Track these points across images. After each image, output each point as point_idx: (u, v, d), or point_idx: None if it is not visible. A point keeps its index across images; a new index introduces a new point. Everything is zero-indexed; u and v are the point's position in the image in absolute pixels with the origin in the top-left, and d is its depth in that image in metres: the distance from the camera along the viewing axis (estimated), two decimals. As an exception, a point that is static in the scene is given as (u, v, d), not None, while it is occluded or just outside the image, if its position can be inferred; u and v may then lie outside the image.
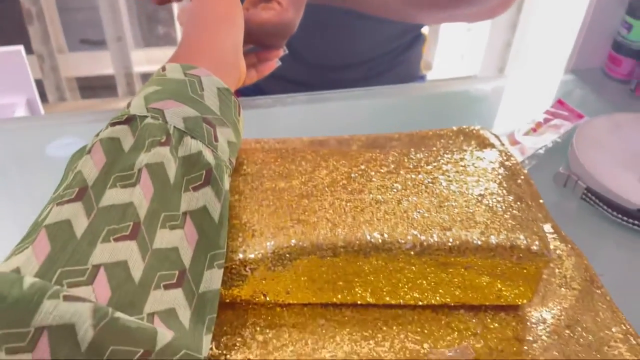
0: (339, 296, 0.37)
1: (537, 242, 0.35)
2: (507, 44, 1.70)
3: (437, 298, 0.37)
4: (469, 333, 0.37)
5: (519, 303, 0.38)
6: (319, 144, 0.50)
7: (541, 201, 0.48)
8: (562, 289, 0.40)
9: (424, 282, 0.36)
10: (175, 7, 1.71)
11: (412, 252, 0.34)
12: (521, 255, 0.35)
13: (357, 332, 0.36)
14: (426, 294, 0.37)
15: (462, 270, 0.35)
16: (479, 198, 0.37)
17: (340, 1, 0.58)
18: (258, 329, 0.36)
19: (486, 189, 0.38)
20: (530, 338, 0.36)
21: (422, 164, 0.40)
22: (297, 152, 0.42)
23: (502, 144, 0.53)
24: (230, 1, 0.43)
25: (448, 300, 0.37)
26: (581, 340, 0.36)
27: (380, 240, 0.34)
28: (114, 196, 0.28)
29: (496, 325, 0.37)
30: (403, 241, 0.34)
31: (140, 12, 1.80)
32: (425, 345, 0.36)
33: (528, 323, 0.37)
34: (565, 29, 0.72)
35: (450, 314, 0.38)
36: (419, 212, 0.36)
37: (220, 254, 0.32)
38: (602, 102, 0.66)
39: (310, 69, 0.76)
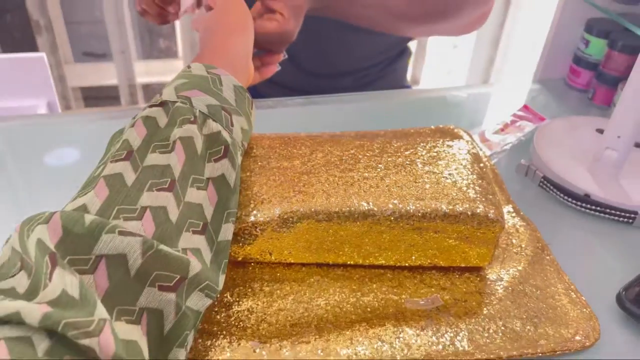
0: (332, 256, 0.44)
1: (492, 211, 0.43)
2: (490, 60, 1.80)
3: (413, 259, 0.45)
4: (439, 287, 0.44)
5: (481, 265, 0.46)
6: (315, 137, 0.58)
7: (504, 186, 0.56)
8: (518, 255, 0.48)
9: (402, 244, 0.44)
10: (178, 21, 1.80)
11: (392, 218, 0.42)
12: (480, 221, 0.42)
13: (347, 286, 0.44)
14: (404, 255, 0.44)
15: (433, 233, 0.43)
16: (448, 176, 0.45)
17: (333, 14, 0.66)
18: (264, 282, 0.44)
19: (455, 169, 0.46)
20: (489, 291, 0.44)
21: (402, 150, 0.49)
22: (297, 139, 0.50)
23: (473, 140, 0.61)
24: (242, 13, 0.52)
25: (422, 261, 0.45)
26: (531, 293, 0.44)
27: (366, 208, 0.42)
28: (154, 159, 0.36)
29: (462, 281, 0.45)
30: (385, 209, 0.42)
31: (143, 26, 1.89)
32: (403, 296, 0.43)
33: (488, 281, 0.45)
34: (533, 45, 0.81)
35: (424, 273, 0.46)
36: (398, 186, 0.44)
37: (233, 212, 0.39)
38: (563, 108, 0.75)
39: (306, 76, 0.84)
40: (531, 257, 0.48)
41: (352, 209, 0.42)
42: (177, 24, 1.82)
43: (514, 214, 0.53)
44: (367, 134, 0.61)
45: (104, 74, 1.83)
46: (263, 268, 0.45)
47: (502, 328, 0.41)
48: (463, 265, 0.45)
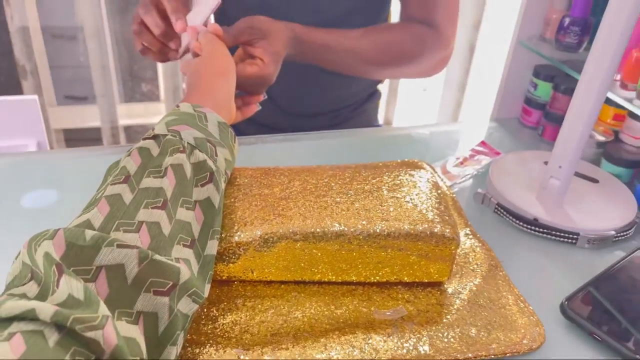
0: (309, 273, 0.49)
1: (448, 230, 0.49)
2: (458, 102, 1.91)
3: (381, 274, 0.50)
4: (404, 300, 0.50)
5: (441, 280, 0.51)
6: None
7: (463, 212, 0.62)
8: (474, 272, 0.54)
9: (370, 261, 0.49)
10: (160, 67, 1.88)
11: (360, 237, 0.48)
12: (438, 239, 0.48)
13: (321, 300, 0.49)
14: (373, 271, 0.50)
15: (397, 251, 0.49)
16: (409, 201, 0.51)
17: (309, 59, 0.72)
18: (247, 298, 0.48)
19: (416, 194, 0.52)
20: (448, 303, 0.50)
21: (369, 179, 0.55)
22: (277, 170, 0.55)
23: (435, 171, 0.68)
24: (225, 60, 0.58)
25: (389, 277, 0.50)
26: (485, 304, 0.50)
27: (338, 228, 0.48)
28: (149, 182, 0.41)
29: (424, 295, 0.50)
30: (354, 229, 0.48)
31: (126, 71, 1.95)
32: (372, 308, 0.48)
33: (447, 294, 0.51)
34: (489, 88, 0.90)
35: (391, 288, 0.51)
36: (366, 209, 0.50)
37: (217, 230, 0.44)
38: (517, 143, 0.83)
39: (284, 116, 0.90)
40: (486, 273, 0.54)
41: (326, 229, 0.47)
42: (160, 69, 1.90)
43: (471, 236, 0.59)
44: (340, 166, 0.68)
45: (86, 116, 1.88)
46: (246, 286, 0.50)
47: (459, 334, 0.46)
48: (425, 280, 0.51)
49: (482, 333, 0.46)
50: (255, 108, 0.66)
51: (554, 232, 0.60)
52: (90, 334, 0.29)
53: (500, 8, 1.57)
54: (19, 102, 0.89)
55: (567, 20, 0.74)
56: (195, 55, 0.60)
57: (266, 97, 0.66)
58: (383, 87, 1.60)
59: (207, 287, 0.41)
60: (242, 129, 0.91)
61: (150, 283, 0.35)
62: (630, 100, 0.66)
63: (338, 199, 0.51)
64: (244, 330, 0.45)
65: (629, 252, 0.58)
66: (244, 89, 0.64)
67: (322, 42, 0.70)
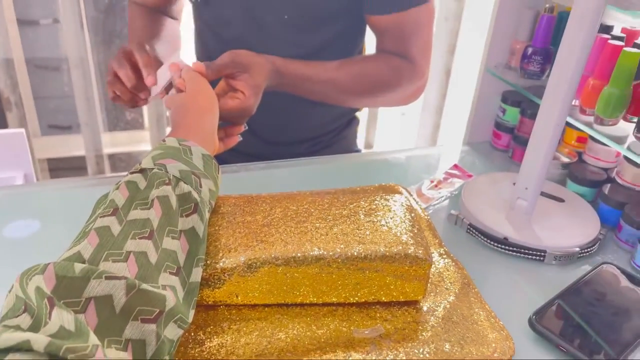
0: (291, 296, 0.52)
1: (421, 251, 0.52)
2: (436, 126, 1.97)
3: (359, 295, 0.53)
4: (382, 319, 0.52)
5: (417, 298, 0.54)
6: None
7: (437, 233, 0.66)
8: (448, 290, 0.57)
9: (349, 282, 0.52)
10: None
11: (339, 260, 0.50)
12: (411, 260, 0.51)
13: (303, 321, 0.51)
14: (351, 292, 0.52)
15: (374, 272, 0.52)
16: (385, 224, 0.54)
17: (289, 89, 0.76)
18: (232, 322, 0.51)
19: (391, 218, 0.56)
20: (423, 320, 0.52)
21: (347, 204, 0.58)
22: (259, 197, 0.58)
23: (410, 194, 0.71)
24: (208, 96, 0.61)
25: (367, 297, 0.53)
26: (458, 321, 0.52)
27: (317, 253, 0.50)
28: (136, 214, 0.44)
29: (401, 313, 0.53)
30: (333, 252, 0.50)
31: (109, 99, 1.98)
32: (352, 328, 0.51)
33: (423, 312, 0.54)
34: (463, 113, 0.95)
35: (369, 308, 0.54)
36: (343, 234, 0.53)
37: (202, 258, 0.47)
38: (489, 165, 0.87)
39: (265, 144, 0.93)
40: (459, 291, 0.57)
41: (306, 254, 0.50)
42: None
43: (445, 256, 0.62)
44: (320, 192, 0.71)
45: (70, 146, 1.89)
46: (231, 310, 0.52)
47: (434, 349, 0.49)
48: (402, 299, 0.54)
49: (456, 348, 0.49)
50: (237, 139, 0.69)
51: (522, 251, 0.63)
52: None
53: (470, 36, 1.64)
54: (5, 136, 0.91)
55: (529, 50, 0.79)
56: (179, 90, 0.63)
57: (246, 127, 0.69)
58: (363, 112, 1.64)
59: (192, 312, 0.43)
60: (225, 158, 0.94)
61: (137, 311, 0.37)
62: (589, 124, 0.70)
63: (317, 224, 0.54)
64: (230, 352, 0.47)
65: (592, 267, 0.61)
66: (227, 120, 0.68)
67: (300, 73, 0.74)
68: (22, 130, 0.93)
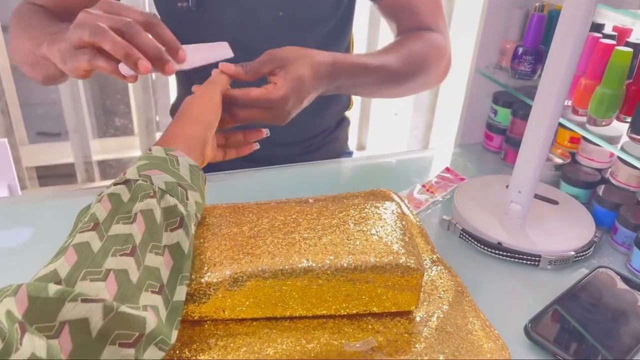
0: (279, 309, 0.50)
1: (413, 261, 0.50)
2: (428, 126, 1.96)
3: (350, 306, 0.51)
4: (374, 331, 0.51)
5: (409, 309, 0.52)
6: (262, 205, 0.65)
7: (429, 239, 0.64)
8: (441, 298, 0.55)
9: (339, 294, 0.50)
10: (133, 101, 1.88)
11: (328, 272, 0.49)
12: (403, 270, 0.50)
13: (293, 335, 0.50)
14: (342, 304, 0.51)
15: (365, 283, 0.50)
16: (375, 233, 0.53)
17: (348, 85, 0.68)
18: (219, 337, 0.49)
19: (381, 227, 0.54)
20: (416, 332, 0.51)
21: (336, 213, 0.56)
22: (245, 207, 0.57)
23: (402, 200, 0.70)
24: (201, 106, 0.57)
25: (358, 309, 0.51)
26: (452, 331, 0.51)
27: (306, 264, 0.49)
28: (118, 229, 0.42)
29: (393, 324, 0.52)
30: (322, 264, 0.49)
31: (98, 105, 1.96)
32: (343, 341, 0.49)
33: (415, 323, 0.52)
34: (455, 114, 0.93)
35: (361, 320, 0.52)
36: (333, 244, 0.51)
37: (186, 276, 0.45)
38: (481, 167, 0.85)
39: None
40: (452, 299, 0.55)
41: (294, 266, 0.49)
42: (133, 103, 1.90)
43: (438, 263, 0.60)
44: (310, 199, 0.69)
45: (59, 153, 1.87)
46: (217, 325, 0.50)
47: (428, 362, 0.47)
48: (394, 309, 0.52)
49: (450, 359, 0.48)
50: (253, 147, 0.65)
51: (517, 255, 0.62)
52: None
53: (460, 36, 1.63)
54: (-13, 146, 0.89)
55: (520, 50, 0.78)
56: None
57: (268, 134, 0.64)
58: (355, 113, 1.63)
59: (175, 333, 0.41)
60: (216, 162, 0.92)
61: (115, 335, 0.35)
62: (582, 125, 0.69)
63: (306, 235, 0.52)
64: (217, 371, 0.46)
65: (588, 272, 0.60)
66: (253, 120, 0.60)
67: (360, 63, 0.68)
68: (5, 139, 0.91)
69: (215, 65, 0.61)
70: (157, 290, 0.41)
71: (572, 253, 0.62)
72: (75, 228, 0.44)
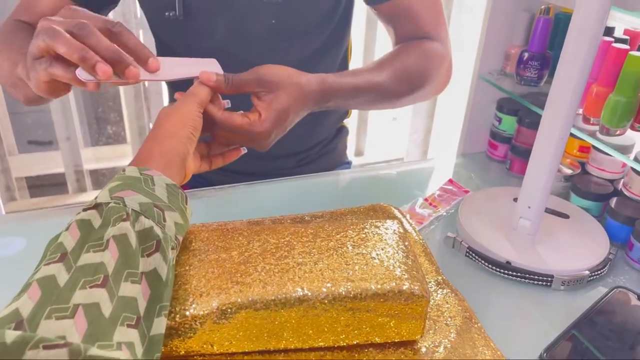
0: (273, 342, 0.46)
1: (417, 287, 0.46)
2: (427, 130, 1.92)
3: (349, 338, 0.47)
4: (376, 364, 0.47)
5: (414, 338, 0.48)
6: (255, 224, 0.61)
7: (433, 259, 0.60)
8: (448, 326, 0.51)
9: (338, 325, 0.46)
10: (125, 109, 1.84)
11: (326, 301, 0.45)
12: (407, 297, 0.46)
13: (288, 371, 0.46)
14: (341, 336, 0.47)
15: (365, 312, 0.46)
16: (375, 257, 0.49)
17: (338, 105, 0.66)
18: (207, 374, 0.45)
19: (382, 249, 0.50)
20: (422, 364, 0.47)
21: (333, 234, 0.52)
22: (235, 229, 0.52)
23: (404, 215, 0.66)
24: (178, 119, 0.54)
25: (359, 339, 0.47)
26: (461, 362, 0.47)
27: (301, 293, 0.45)
28: (88, 258, 0.38)
29: (397, 356, 0.47)
30: (318, 292, 0.45)
31: (90, 113, 1.91)
32: (342, 377, 0.45)
33: (420, 354, 0.48)
34: (456, 122, 0.89)
35: (361, 351, 0.48)
36: (330, 270, 0.47)
37: (165, 306, 0.41)
38: (486, 177, 0.81)
39: (252, 159, 0.87)
40: (460, 326, 0.51)
41: (288, 295, 0.44)
42: (125, 111, 1.86)
43: (443, 286, 0.56)
44: (306, 216, 0.65)
45: (49, 162, 1.82)
46: (205, 360, 0.46)
47: (436, 400, 0.43)
48: (397, 339, 0.48)
49: (460, 397, 0.43)
50: (241, 151, 0.62)
51: (527, 276, 0.58)
52: None
53: (462, 41, 1.59)
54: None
55: (525, 55, 0.74)
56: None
57: (245, 151, 0.62)
58: (352, 118, 1.59)
59: None
60: (209, 176, 0.88)
61: None
62: (593, 134, 0.65)
63: (300, 260, 0.48)
64: (204, 414, 0.41)
65: (605, 293, 0.56)
66: (233, 142, 0.60)
67: (352, 85, 0.65)
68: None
69: None
70: (133, 323, 0.37)
71: (587, 272, 0.58)
72: (43, 260, 0.40)
